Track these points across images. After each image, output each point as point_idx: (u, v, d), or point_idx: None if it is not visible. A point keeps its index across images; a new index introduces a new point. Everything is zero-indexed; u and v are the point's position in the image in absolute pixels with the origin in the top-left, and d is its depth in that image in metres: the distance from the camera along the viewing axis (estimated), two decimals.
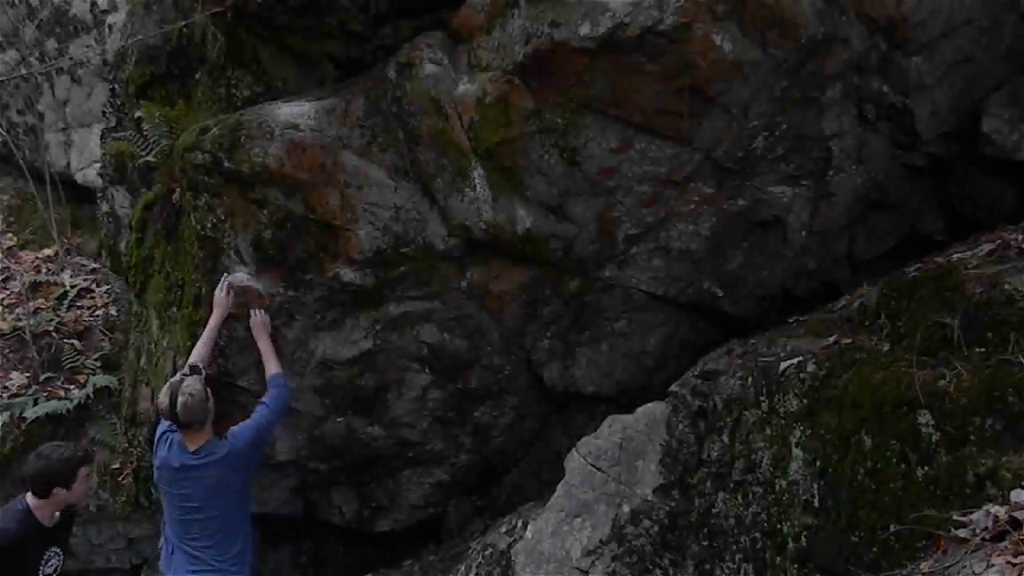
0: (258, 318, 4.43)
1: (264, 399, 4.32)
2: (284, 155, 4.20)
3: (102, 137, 6.49)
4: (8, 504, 4.33)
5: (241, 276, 4.45)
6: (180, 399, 4.02)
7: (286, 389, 4.40)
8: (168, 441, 4.20)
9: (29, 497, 4.14)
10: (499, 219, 4.23)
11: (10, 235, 8.13)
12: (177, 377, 4.15)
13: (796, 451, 3.41)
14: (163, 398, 4.09)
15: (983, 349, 3.05)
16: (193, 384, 4.09)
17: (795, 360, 3.59)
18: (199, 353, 4.36)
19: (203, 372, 4.22)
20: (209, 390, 4.17)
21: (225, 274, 4.44)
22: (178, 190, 4.74)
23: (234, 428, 4.22)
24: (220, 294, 4.39)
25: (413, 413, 4.92)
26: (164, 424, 4.25)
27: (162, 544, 4.28)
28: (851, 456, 3.18)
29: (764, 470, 3.54)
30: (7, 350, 6.85)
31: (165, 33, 5.43)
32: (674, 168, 4.10)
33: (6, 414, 6.41)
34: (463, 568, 4.45)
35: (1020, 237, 3.58)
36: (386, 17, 4.26)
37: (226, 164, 4.26)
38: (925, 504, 2.89)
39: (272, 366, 4.42)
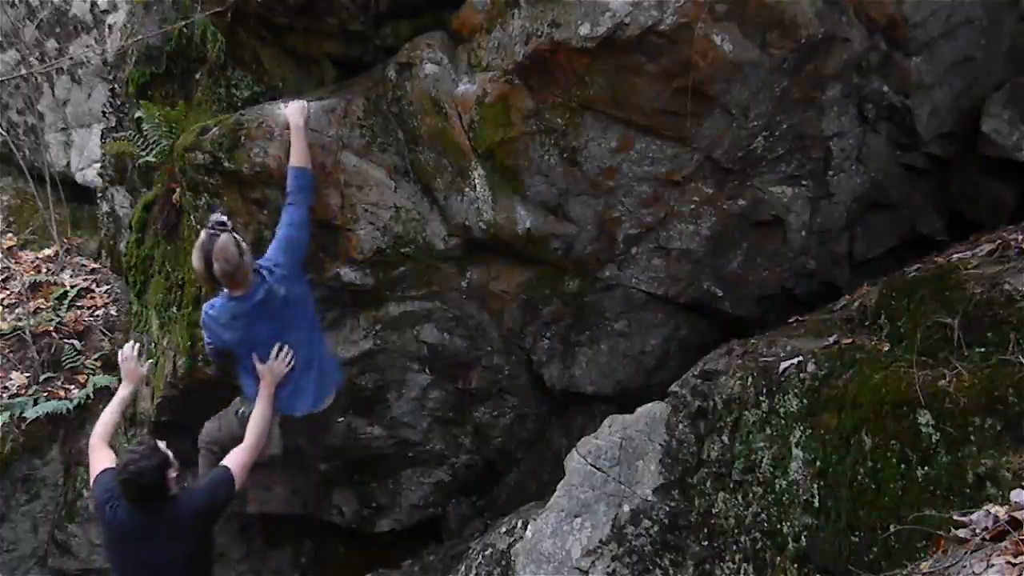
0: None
1: (290, 204, 3.95)
2: (284, 155, 4.19)
3: (102, 137, 6.51)
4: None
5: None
6: (217, 267, 3.70)
7: (310, 185, 3.97)
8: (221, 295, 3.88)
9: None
10: (499, 219, 4.23)
11: (10, 235, 8.14)
12: (205, 236, 3.74)
13: (796, 451, 3.41)
14: (197, 261, 3.74)
15: (983, 349, 3.05)
16: (225, 246, 3.70)
17: (795, 360, 3.59)
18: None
19: (229, 227, 3.80)
20: (243, 244, 3.81)
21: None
22: (178, 190, 4.74)
23: (266, 257, 3.91)
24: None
25: (413, 413, 4.92)
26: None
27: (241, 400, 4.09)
28: (851, 456, 3.18)
29: (764, 470, 3.53)
30: (7, 350, 6.85)
31: (165, 33, 5.43)
32: (674, 168, 4.10)
33: (6, 414, 6.40)
34: (463, 568, 4.45)
35: (1020, 237, 3.57)
36: (386, 17, 4.26)
37: (226, 164, 4.26)
38: (925, 504, 2.90)
39: (298, 157, 3.99)
